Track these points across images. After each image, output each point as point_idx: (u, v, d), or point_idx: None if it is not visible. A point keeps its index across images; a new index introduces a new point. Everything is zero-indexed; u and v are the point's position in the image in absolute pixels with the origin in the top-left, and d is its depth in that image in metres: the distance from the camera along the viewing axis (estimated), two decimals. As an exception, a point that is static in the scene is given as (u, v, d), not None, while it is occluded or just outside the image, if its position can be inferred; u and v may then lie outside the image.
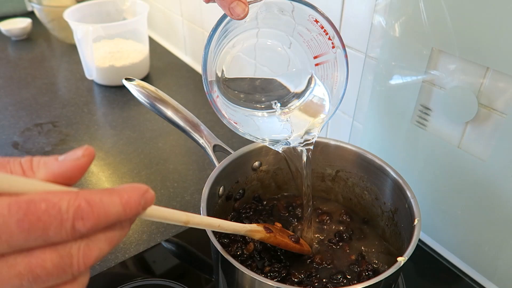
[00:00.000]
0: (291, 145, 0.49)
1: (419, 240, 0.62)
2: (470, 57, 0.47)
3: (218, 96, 0.46)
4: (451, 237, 0.59)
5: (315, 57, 0.48)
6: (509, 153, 0.47)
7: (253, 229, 0.44)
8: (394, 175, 0.50)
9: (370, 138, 0.65)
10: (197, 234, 0.64)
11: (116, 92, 1.02)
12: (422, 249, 0.61)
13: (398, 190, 0.49)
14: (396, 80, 0.57)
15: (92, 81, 1.06)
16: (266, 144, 0.49)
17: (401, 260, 0.39)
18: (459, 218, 0.57)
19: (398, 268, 0.38)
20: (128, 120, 0.92)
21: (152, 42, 1.26)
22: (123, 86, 1.02)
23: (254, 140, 0.48)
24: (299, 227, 0.56)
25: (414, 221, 0.43)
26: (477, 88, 0.48)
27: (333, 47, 0.45)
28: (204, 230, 0.42)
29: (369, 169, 0.54)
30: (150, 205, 0.24)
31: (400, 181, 0.49)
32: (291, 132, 0.50)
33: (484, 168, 0.50)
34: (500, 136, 0.47)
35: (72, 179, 0.23)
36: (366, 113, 0.64)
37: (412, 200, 0.46)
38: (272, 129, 0.50)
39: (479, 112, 0.49)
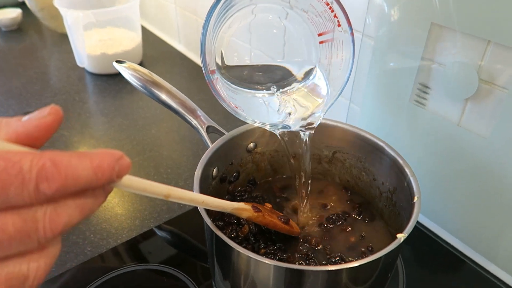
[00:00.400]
0: (292, 129, 0.48)
1: (419, 222, 0.61)
2: (470, 30, 0.46)
3: (218, 78, 0.45)
4: (451, 218, 0.58)
5: (319, 35, 0.46)
6: (510, 129, 0.46)
7: (240, 207, 0.42)
8: (393, 154, 0.48)
9: (367, 120, 0.63)
10: (191, 220, 0.63)
11: (108, 80, 1.00)
12: (422, 232, 0.59)
13: (397, 169, 0.48)
14: (394, 59, 0.56)
15: (84, 69, 1.04)
16: (267, 128, 0.48)
17: (401, 236, 0.38)
18: (459, 199, 0.55)
19: (397, 245, 0.37)
20: (120, 108, 0.90)
21: (145, 31, 1.24)
22: (115, 75, 1.01)
23: (254, 124, 0.47)
24: (295, 210, 0.54)
25: (413, 198, 0.42)
26: (478, 63, 0.47)
27: (339, 25, 0.44)
28: (199, 215, 0.40)
29: (367, 149, 0.52)
30: (125, 173, 0.22)
31: (399, 159, 0.47)
32: (293, 115, 0.48)
33: (485, 145, 0.49)
34: (502, 111, 0.46)
35: (38, 140, 0.22)
36: (364, 95, 0.63)
37: (411, 178, 0.45)
38: (273, 113, 0.49)
39: (479, 88, 0.47)
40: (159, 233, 0.60)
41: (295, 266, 0.38)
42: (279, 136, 0.49)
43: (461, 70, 0.48)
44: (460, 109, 0.51)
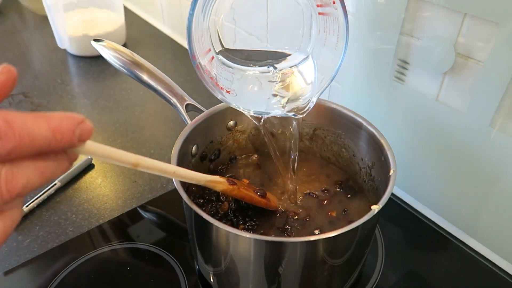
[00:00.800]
0: (283, 114, 0.47)
1: (398, 198, 0.61)
2: (447, 3, 0.46)
3: (213, 57, 0.43)
4: (431, 193, 0.59)
5: (318, 6, 0.45)
6: (486, 102, 0.46)
7: (214, 180, 0.41)
8: (371, 129, 0.48)
9: (349, 97, 0.64)
10: (173, 200, 0.63)
11: (91, 62, 0.98)
12: (401, 207, 0.60)
13: (375, 144, 0.48)
14: (374, 35, 0.55)
15: (66, 52, 1.02)
16: (253, 114, 0.47)
17: (375, 208, 0.38)
18: (438, 174, 0.56)
19: (372, 216, 0.38)
20: (103, 90, 0.89)
21: (128, 12, 1.22)
22: (98, 56, 1.00)
23: (244, 112, 0.46)
24: (278, 188, 0.55)
25: (389, 171, 0.42)
26: (454, 37, 0.47)
27: (334, 2, 0.42)
28: (179, 195, 0.40)
29: (346, 125, 0.52)
30: (87, 137, 0.22)
31: (377, 134, 0.48)
32: (285, 98, 0.48)
33: (462, 119, 0.50)
34: (477, 85, 0.46)
35: None
36: (345, 73, 0.63)
37: (388, 152, 0.45)
38: (264, 98, 0.48)
39: (456, 61, 0.48)
40: (143, 213, 0.60)
41: (273, 238, 0.38)
42: (261, 129, 0.49)
43: (439, 44, 0.48)
44: (438, 84, 0.51)
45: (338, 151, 0.56)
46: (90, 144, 0.24)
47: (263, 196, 0.47)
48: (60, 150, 0.22)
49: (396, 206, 0.61)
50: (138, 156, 0.29)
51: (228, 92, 0.44)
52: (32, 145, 0.20)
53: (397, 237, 0.57)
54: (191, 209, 0.40)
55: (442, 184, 0.56)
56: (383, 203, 0.38)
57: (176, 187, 0.41)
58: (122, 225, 0.58)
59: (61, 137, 0.20)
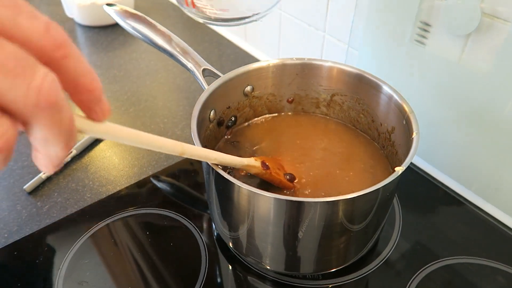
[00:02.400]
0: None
1: (415, 165, 0.61)
2: (475, -40, 0.44)
3: None
4: (448, 159, 0.58)
5: None
6: (511, 62, 0.45)
7: (250, 164, 0.44)
8: (391, 92, 0.48)
9: (366, 63, 0.62)
10: (189, 167, 0.63)
11: (100, 32, 0.97)
12: (418, 174, 0.60)
13: (395, 108, 0.47)
14: (394, -3, 0.54)
15: (74, 22, 1.00)
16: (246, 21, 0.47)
17: (399, 169, 0.38)
18: (456, 139, 0.56)
19: (396, 177, 0.37)
20: (113, 60, 0.88)
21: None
22: (107, 26, 0.98)
23: (239, 24, 0.46)
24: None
25: (412, 134, 0.42)
26: (481, -4, 0.45)
27: None
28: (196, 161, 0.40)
29: (366, 89, 0.52)
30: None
31: (397, 97, 0.47)
32: None
33: (485, 82, 0.49)
34: (503, 45, 0.45)
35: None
36: (362, 36, 0.61)
37: (410, 115, 0.44)
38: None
39: (481, 22, 0.46)
40: (156, 182, 0.61)
41: (295, 198, 0.38)
42: None
43: (463, 4, 0.47)
44: (461, 46, 0.50)
45: (356, 117, 0.55)
46: (121, 131, 0.24)
47: (292, 180, 0.48)
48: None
49: (412, 172, 0.60)
50: (183, 144, 0.32)
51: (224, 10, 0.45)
52: None
53: (414, 203, 0.57)
54: (212, 170, 0.40)
55: (460, 150, 0.56)
56: (407, 165, 0.38)
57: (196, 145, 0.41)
58: (139, 191, 0.59)
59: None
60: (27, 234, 0.52)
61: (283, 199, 0.38)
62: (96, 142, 0.67)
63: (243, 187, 0.38)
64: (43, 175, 0.59)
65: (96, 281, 0.47)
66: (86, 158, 0.64)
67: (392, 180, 0.38)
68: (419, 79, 0.56)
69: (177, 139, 0.67)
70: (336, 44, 0.68)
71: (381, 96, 0.50)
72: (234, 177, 0.49)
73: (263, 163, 0.45)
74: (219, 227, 0.49)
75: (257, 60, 0.87)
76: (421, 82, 0.56)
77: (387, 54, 0.59)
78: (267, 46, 0.86)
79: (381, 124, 0.52)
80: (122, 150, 0.66)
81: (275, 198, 0.38)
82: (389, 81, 0.50)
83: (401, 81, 0.58)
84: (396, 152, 0.49)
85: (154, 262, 0.49)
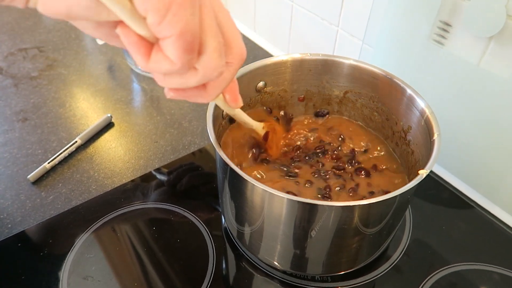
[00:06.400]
0: None
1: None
2: (503, -41, 0.43)
3: None
4: (457, 161, 0.58)
5: None
6: (535, 68, 0.44)
7: (256, 129, 0.48)
8: (411, 92, 0.46)
9: (381, 60, 0.61)
10: (196, 160, 0.62)
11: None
12: (428, 176, 0.59)
13: (413, 107, 0.46)
14: (413, -6, 0.52)
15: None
16: None
17: (423, 172, 0.37)
18: (467, 141, 0.55)
19: (420, 180, 0.36)
20: (121, 48, 0.86)
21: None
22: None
23: None
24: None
25: (433, 136, 0.41)
26: (507, -3, 0.44)
27: None
28: (205, 155, 0.39)
29: (382, 87, 0.50)
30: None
31: (416, 97, 0.46)
32: None
33: (505, 87, 0.47)
34: (527, 49, 0.44)
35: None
36: (378, 34, 0.60)
37: (430, 116, 0.43)
38: None
39: (506, 24, 0.45)
40: (163, 175, 0.59)
41: (308, 200, 0.37)
42: None
43: (488, 5, 0.45)
44: (482, 48, 0.48)
45: (369, 115, 0.54)
46: None
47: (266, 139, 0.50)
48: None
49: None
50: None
51: None
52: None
53: (423, 206, 0.56)
54: (227, 166, 0.39)
55: (470, 152, 0.55)
56: (430, 168, 0.37)
57: (214, 144, 0.39)
58: (145, 185, 0.57)
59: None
60: (31, 225, 0.51)
61: (297, 201, 0.37)
62: (100, 132, 0.65)
63: (257, 186, 0.37)
64: (47, 165, 0.58)
65: (102, 276, 0.46)
66: (91, 149, 0.63)
67: (417, 184, 0.37)
68: (435, 79, 0.55)
69: (184, 131, 0.66)
70: (350, 40, 0.67)
71: (398, 95, 0.48)
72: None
73: (265, 136, 0.49)
74: (230, 223, 0.48)
75: (265, 52, 0.85)
76: (436, 82, 0.55)
77: (403, 53, 0.57)
78: (277, 38, 0.84)
79: (396, 123, 0.51)
80: (128, 141, 0.64)
81: (289, 199, 0.37)
82: (404, 79, 0.49)
83: (416, 80, 0.56)
84: (412, 152, 0.48)
85: (160, 258, 0.48)
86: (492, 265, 0.49)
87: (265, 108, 0.55)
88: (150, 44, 0.25)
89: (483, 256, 0.50)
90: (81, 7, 0.23)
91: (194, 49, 0.25)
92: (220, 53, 0.27)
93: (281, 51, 0.84)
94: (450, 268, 0.49)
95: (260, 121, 0.48)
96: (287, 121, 0.55)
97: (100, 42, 0.86)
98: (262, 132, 0.49)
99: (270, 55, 0.83)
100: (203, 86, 0.29)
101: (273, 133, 0.49)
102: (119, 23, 0.24)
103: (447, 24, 0.51)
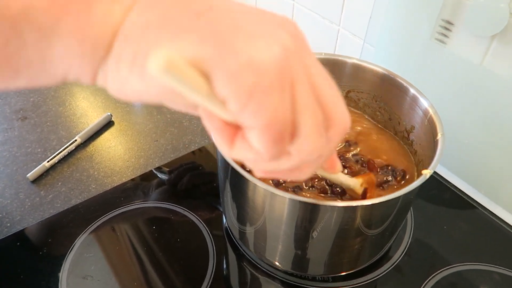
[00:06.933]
0: None
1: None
2: (506, -42, 0.42)
3: None
4: (458, 160, 0.57)
5: None
6: (538, 67, 0.44)
7: (354, 188, 0.41)
8: (414, 92, 0.46)
9: (383, 60, 0.61)
10: (193, 161, 0.61)
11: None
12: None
13: (417, 107, 0.46)
14: (416, -7, 0.52)
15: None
16: None
17: (427, 172, 0.36)
18: (469, 140, 0.54)
19: (424, 180, 0.36)
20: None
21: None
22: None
23: None
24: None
25: (437, 135, 0.41)
26: (510, -4, 0.44)
27: None
28: (204, 154, 0.39)
29: (384, 87, 0.50)
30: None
31: (419, 96, 0.46)
32: None
33: (508, 86, 0.47)
34: (531, 49, 0.44)
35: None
36: (380, 33, 0.60)
37: (434, 116, 0.43)
38: None
39: (509, 23, 0.45)
40: (163, 174, 0.59)
41: (311, 200, 0.36)
42: None
43: (491, 4, 0.45)
44: (484, 48, 0.48)
45: (372, 114, 0.54)
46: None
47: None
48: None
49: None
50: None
51: None
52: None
53: (424, 205, 0.56)
54: (228, 165, 0.38)
55: (472, 151, 0.55)
56: (434, 168, 0.37)
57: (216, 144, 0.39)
58: (145, 184, 0.57)
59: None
60: (31, 224, 0.51)
61: (299, 200, 0.36)
62: (100, 131, 0.65)
63: (259, 185, 0.37)
64: (46, 164, 0.58)
65: (101, 276, 0.46)
66: (91, 147, 0.62)
67: (421, 184, 0.37)
68: (436, 78, 0.55)
69: (185, 130, 0.66)
70: (351, 39, 0.66)
71: (401, 95, 0.48)
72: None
73: (363, 193, 0.42)
74: (231, 223, 0.48)
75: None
76: (438, 82, 0.55)
77: (405, 52, 0.57)
78: (277, 37, 0.84)
79: (399, 123, 0.50)
80: (128, 140, 0.64)
81: (291, 199, 0.37)
82: (406, 78, 0.49)
83: (417, 80, 0.56)
84: (415, 152, 0.48)
85: (160, 258, 0.48)
86: (493, 265, 0.49)
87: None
88: (235, 129, 0.22)
89: (484, 256, 0.50)
90: (151, 93, 0.21)
91: (284, 138, 0.21)
92: (320, 133, 0.23)
93: (282, 50, 0.84)
94: (452, 268, 0.49)
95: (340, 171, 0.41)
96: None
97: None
98: (360, 190, 0.42)
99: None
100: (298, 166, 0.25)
101: (370, 187, 0.43)
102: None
103: (449, 23, 0.50)
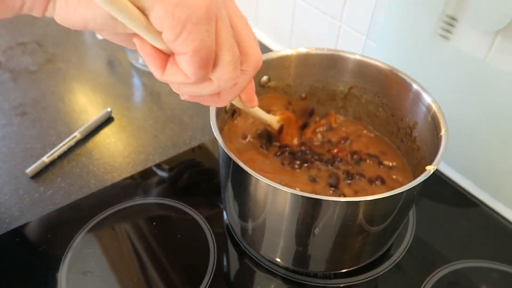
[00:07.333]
0: None
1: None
2: (511, -48, 0.42)
3: None
4: (461, 157, 0.57)
5: None
6: (543, 63, 0.43)
7: (270, 124, 0.49)
8: (417, 87, 0.46)
9: (385, 55, 0.60)
10: (197, 156, 0.61)
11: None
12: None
13: (420, 103, 0.45)
14: (419, -12, 0.52)
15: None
16: None
17: (431, 168, 0.36)
18: (471, 137, 0.54)
19: (428, 176, 0.36)
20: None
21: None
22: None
23: None
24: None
25: (440, 131, 0.40)
26: (514, -9, 0.43)
27: None
28: (205, 150, 0.39)
29: (387, 83, 0.50)
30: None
31: (423, 92, 0.45)
32: None
33: (510, 82, 0.47)
34: (535, 44, 0.43)
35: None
36: (382, 29, 0.59)
37: (437, 112, 0.43)
38: None
39: (514, 18, 0.44)
40: (164, 170, 0.59)
41: (313, 195, 0.36)
42: None
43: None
44: (488, 43, 0.48)
45: (374, 110, 0.53)
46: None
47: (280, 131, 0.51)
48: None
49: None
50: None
51: None
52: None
53: (426, 202, 0.55)
54: (230, 160, 0.38)
55: (474, 147, 0.54)
56: (438, 164, 0.36)
57: (218, 139, 0.39)
58: (145, 180, 0.57)
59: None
60: (30, 220, 0.50)
61: (301, 195, 0.36)
62: (100, 127, 0.64)
63: (261, 180, 0.36)
64: (46, 159, 0.57)
65: (101, 272, 0.46)
66: (90, 143, 0.62)
67: (425, 180, 0.36)
68: (439, 75, 0.54)
69: (185, 127, 0.65)
70: (353, 35, 0.66)
71: (404, 91, 0.48)
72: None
73: (280, 129, 0.50)
74: (232, 219, 0.47)
75: (267, 47, 0.84)
76: (441, 78, 0.54)
77: (407, 48, 0.56)
78: (278, 33, 0.83)
79: (401, 119, 0.50)
80: (128, 136, 0.63)
81: (293, 194, 0.36)
82: (408, 74, 0.48)
83: (420, 76, 0.56)
84: (418, 148, 0.47)
85: (160, 254, 0.48)
86: (495, 263, 0.48)
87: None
88: (166, 56, 0.26)
89: (486, 253, 0.49)
90: (97, 21, 0.24)
91: (208, 64, 0.26)
92: (235, 66, 0.28)
93: (283, 47, 0.83)
94: (453, 266, 0.48)
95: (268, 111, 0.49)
96: (309, 114, 0.56)
97: (100, 37, 0.85)
98: (276, 126, 0.50)
99: (272, 51, 0.82)
100: (218, 93, 0.30)
101: (287, 125, 0.51)
102: (135, 34, 0.25)
103: (453, 18, 0.50)
